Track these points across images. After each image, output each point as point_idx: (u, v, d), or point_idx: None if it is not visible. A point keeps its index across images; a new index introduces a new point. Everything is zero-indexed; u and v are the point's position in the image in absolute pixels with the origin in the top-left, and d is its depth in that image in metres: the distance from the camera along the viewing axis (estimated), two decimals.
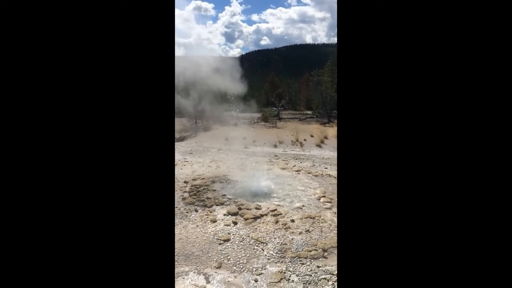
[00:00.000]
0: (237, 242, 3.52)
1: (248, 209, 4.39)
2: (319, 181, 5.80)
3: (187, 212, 4.39)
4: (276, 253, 3.29)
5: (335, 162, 7.38)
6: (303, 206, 4.56)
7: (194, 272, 2.97)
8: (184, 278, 2.89)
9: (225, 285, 2.80)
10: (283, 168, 6.75)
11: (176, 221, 4.09)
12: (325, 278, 2.85)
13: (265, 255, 3.25)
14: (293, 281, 2.82)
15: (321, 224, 3.94)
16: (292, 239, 3.57)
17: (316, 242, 3.50)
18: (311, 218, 4.10)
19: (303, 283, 2.79)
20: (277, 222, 3.99)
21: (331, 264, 3.08)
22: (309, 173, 6.36)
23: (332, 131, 11.60)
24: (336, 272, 2.94)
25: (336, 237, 3.59)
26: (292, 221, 4.02)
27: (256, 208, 4.41)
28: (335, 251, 3.31)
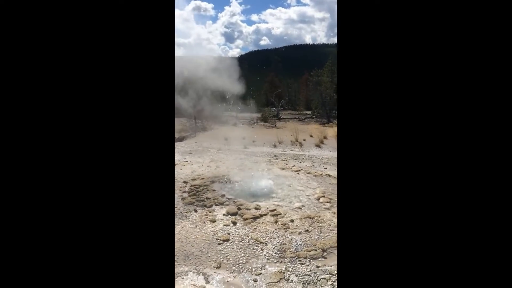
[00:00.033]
0: (236, 242, 3.52)
1: (247, 209, 4.39)
2: (319, 181, 5.80)
3: (186, 212, 4.39)
4: (275, 253, 3.29)
5: (335, 162, 7.39)
6: (303, 206, 4.56)
7: (193, 272, 2.97)
8: (183, 278, 2.88)
9: (224, 285, 2.79)
10: (283, 168, 6.75)
11: (176, 221, 4.09)
12: (324, 278, 2.85)
13: (265, 255, 3.25)
14: (292, 281, 2.82)
15: (320, 224, 3.94)
16: (291, 239, 3.57)
17: (316, 242, 3.50)
18: (310, 218, 4.10)
19: (302, 283, 2.79)
20: (276, 222, 3.99)
21: (330, 264, 3.08)
22: (308, 173, 6.36)
23: (331, 131, 11.61)
24: (335, 272, 2.95)
25: (335, 237, 3.59)
26: (292, 221, 4.02)
27: (256, 208, 4.41)
28: (334, 251, 3.32)
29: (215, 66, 7.28)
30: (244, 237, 3.63)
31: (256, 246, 3.44)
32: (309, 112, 20.45)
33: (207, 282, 2.83)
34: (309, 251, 3.30)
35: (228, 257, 3.23)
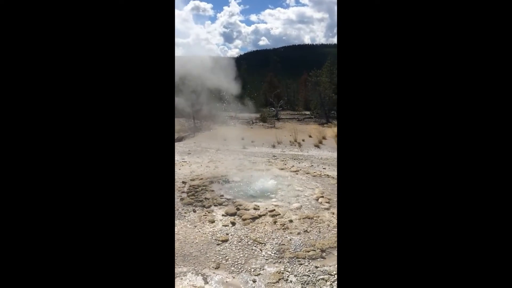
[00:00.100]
0: (235, 243, 3.51)
1: (246, 209, 4.39)
2: (318, 181, 5.81)
3: (185, 213, 4.38)
4: (274, 253, 3.29)
5: (333, 162, 7.40)
6: (301, 206, 4.56)
7: (192, 273, 2.96)
8: (182, 278, 2.88)
9: (223, 285, 2.79)
10: (282, 169, 6.75)
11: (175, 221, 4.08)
12: (323, 279, 2.85)
13: (263, 256, 3.25)
14: (291, 281, 2.82)
15: (319, 225, 3.94)
16: (290, 239, 3.57)
17: (314, 242, 3.50)
18: (309, 218, 4.10)
19: (301, 284, 2.78)
20: (275, 222, 3.99)
21: (329, 265, 3.08)
22: (307, 173, 6.36)
23: (330, 132, 11.62)
24: (334, 272, 2.95)
25: (334, 238, 3.59)
26: (290, 221, 4.02)
27: (254, 209, 4.40)
28: (333, 252, 3.32)
29: (213, 66, 7.29)
30: (243, 238, 3.62)
31: (255, 246, 3.43)
32: (308, 112, 20.47)
33: (206, 282, 2.83)
34: (308, 252, 3.29)
35: (227, 257, 3.22)
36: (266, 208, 4.41)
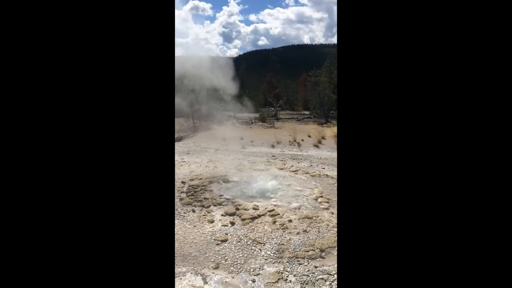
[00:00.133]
0: (234, 243, 3.51)
1: (245, 209, 4.39)
2: (317, 181, 5.81)
3: (184, 213, 4.37)
4: (273, 253, 3.29)
5: (332, 162, 7.40)
6: (301, 206, 4.56)
7: (191, 273, 2.96)
8: (181, 279, 2.87)
9: (222, 285, 2.79)
10: (281, 169, 6.75)
11: None
12: (322, 278, 2.85)
13: (263, 256, 3.25)
14: (290, 281, 2.82)
15: (318, 224, 3.94)
16: (289, 239, 3.57)
17: (314, 242, 3.50)
18: (308, 218, 4.11)
19: (301, 283, 2.79)
20: (274, 222, 3.99)
21: (329, 264, 3.08)
22: (306, 173, 6.36)
23: (329, 132, 11.63)
24: (333, 272, 2.95)
25: (333, 237, 3.60)
26: (290, 221, 4.02)
27: (254, 209, 4.40)
28: (333, 251, 3.32)
29: (212, 66, 7.29)
30: (242, 238, 3.62)
31: (254, 246, 3.44)
32: (307, 112, 20.47)
33: (205, 282, 2.83)
34: (307, 251, 3.30)
35: (226, 257, 3.22)
36: (266, 208, 4.41)
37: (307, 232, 3.74)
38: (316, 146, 9.80)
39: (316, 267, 3.04)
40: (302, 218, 4.11)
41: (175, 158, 7.73)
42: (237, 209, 4.40)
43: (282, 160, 7.65)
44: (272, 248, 3.39)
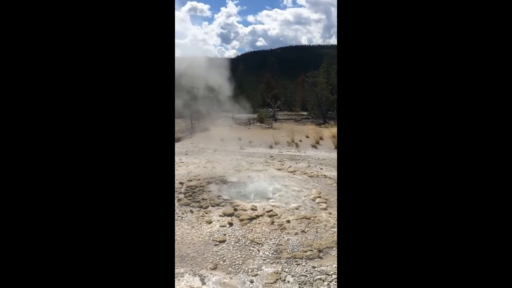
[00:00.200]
0: (232, 243, 3.51)
1: (243, 210, 4.38)
2: (315, 181, 5.82)
3: (182, 213, 4.36)
4: (271, 254, 3.29)
5: (331, 162, 7.42)
6: (299, 206, 4.56)
7: (189, 274, 2.95)
8: (179, 279, 2.86)
9: (220, 286, 2.78)
10: (279, 169, 6.75)
11: None
12: (320, 279, 2.85)
13: (261, 256, 3.24)
14: (288, 281, 2.82)
15: (316, 225, 3.95)
16: (287, 239, 3.57)
17: (312, 242, 3.50)
18: (306, 218, 4.11)
19: (299, 284, 2.78)
20: (272, 223, 3.99)
21: (327, 265, 3.08)
22: (304, 173, 6.37)
23: (327, 132, 11.66)
24: (331, 272, 2.95)
25: (331, 238, 3.60)
26: (288, 221, 4.02)
27: (252, 209, 4.40)
28: (331, 252, 3.32)
29: (209, 67, 7.30)
30: (240, 238, 3.61)
31: (253, 247, 3.43)
32: (305, 113, 20.53)
33: (203, 283, 2.82)
34: (305, 252, 3.30)
35: (224, 258, 3.21)
36: (264, 209, 4.41)
37: (305, 233, 3.74)
38: (314, 146, 9.82)
39: (314, 267, 3.04)
40: (300, 218, 4.11)
41: None
42: (235, 209, 4.40)
43: (280, 161, 7.65)
44: (270, 248, 3.39)
